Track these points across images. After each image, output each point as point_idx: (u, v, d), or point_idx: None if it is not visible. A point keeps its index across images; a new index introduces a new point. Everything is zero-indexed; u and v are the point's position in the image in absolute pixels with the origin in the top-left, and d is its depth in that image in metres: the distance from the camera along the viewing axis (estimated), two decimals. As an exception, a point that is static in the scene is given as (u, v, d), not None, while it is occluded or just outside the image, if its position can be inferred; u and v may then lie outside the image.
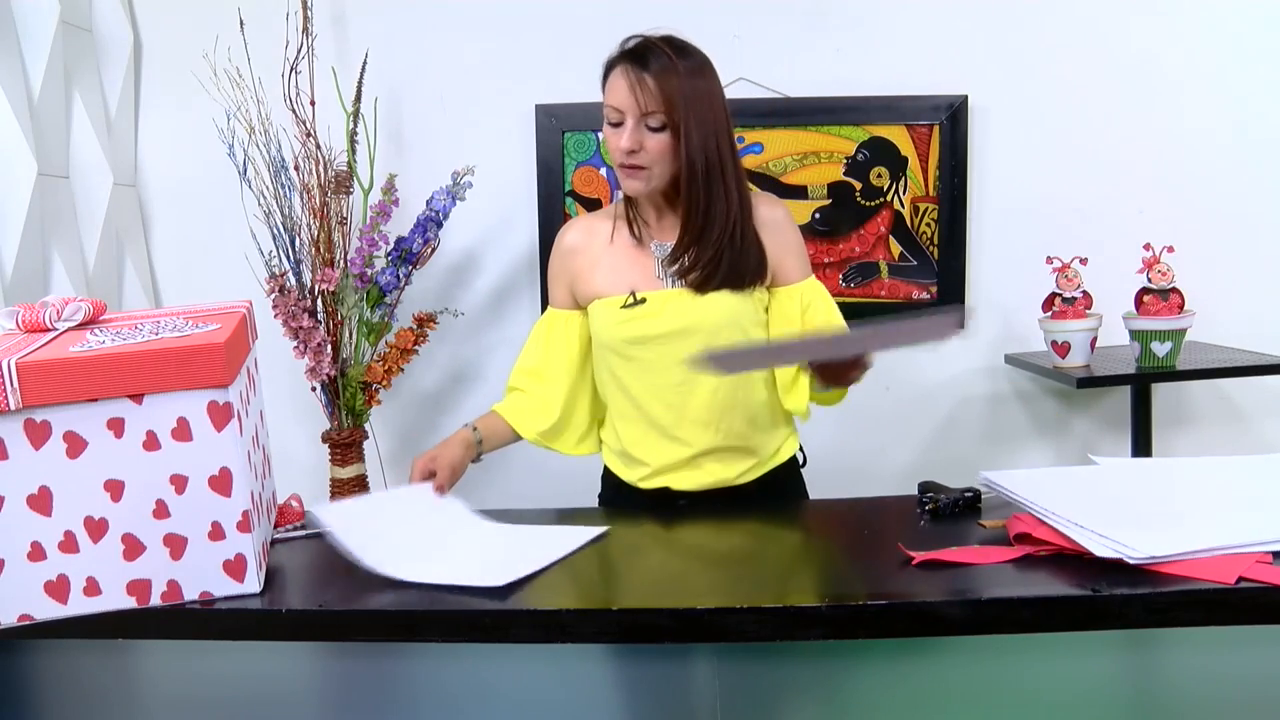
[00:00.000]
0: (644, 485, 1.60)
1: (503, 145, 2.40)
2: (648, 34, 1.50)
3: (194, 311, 1.30)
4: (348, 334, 2.18)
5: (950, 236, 2.38)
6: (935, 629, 1.04)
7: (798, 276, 1.59)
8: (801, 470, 1.70)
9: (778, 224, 1.59)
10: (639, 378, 1.56)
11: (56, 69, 2.14)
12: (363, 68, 2.22)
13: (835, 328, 1.59)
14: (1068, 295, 2.17)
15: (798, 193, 2.38)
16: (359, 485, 2.24)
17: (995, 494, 1.33)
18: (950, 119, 2.34)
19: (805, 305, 1.58)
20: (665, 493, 1.58)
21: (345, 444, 2.21)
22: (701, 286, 1.52)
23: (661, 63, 1.46)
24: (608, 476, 1.69)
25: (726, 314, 1.53)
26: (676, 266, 1.53)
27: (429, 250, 2.19)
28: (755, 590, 1.12)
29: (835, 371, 1.45)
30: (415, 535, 1.34)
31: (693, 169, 1.48)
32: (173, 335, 1.14)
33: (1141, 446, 2.23)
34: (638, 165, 1.49)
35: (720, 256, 1.51)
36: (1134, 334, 2.16)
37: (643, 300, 1.53)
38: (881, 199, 2.38)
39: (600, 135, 2.37)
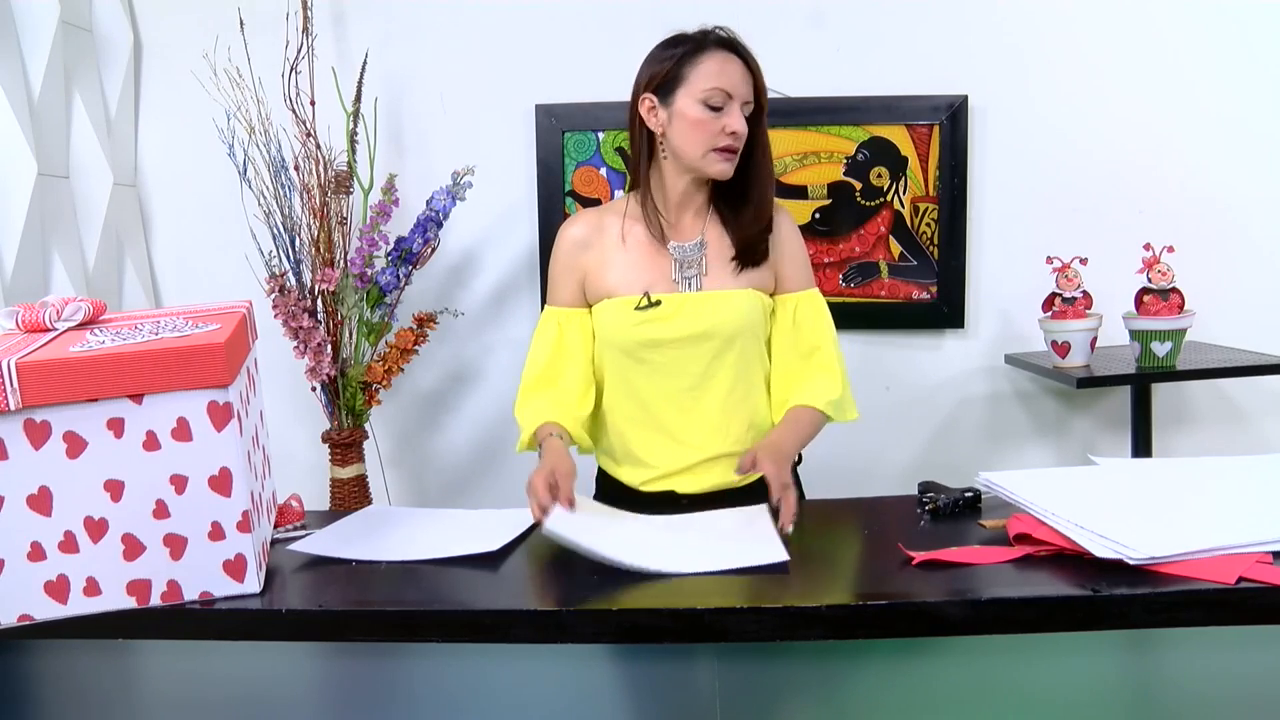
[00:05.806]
0: (647, 489, 1.59)
1: (503, 145, 2.40)
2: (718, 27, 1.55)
3: (194, 311, 1.30)
4: (348, 334, 2.18)
5: (950, 236, 2.38)
6: (935, 629, 1.04)
7: (796, 286, 1.61)
8: (798, 469, 1.70)
9: (785, 231, 1.61)
10: (651, 381, 1.56)
11: (56, 69, 2.14)
12: (363, 68, 2.22)
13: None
14: (1068, 295, 2.17)
15: (798, 193, 2.38)
16: (359, 485, 2.24)
17: (995, 494, 1.33)
18: (950, 119, 2.34)
19: (795, 312, 1.60)
20: (669, 495, 1.58)
21: (345, 444, 2.21)
22: (743, 268, 1.57)
23: (753, 54, 1.53)
24: (603, 479, 1.69)
25: (741, 318, 1.54)
26: (737, 256, 1.56)
27: (429, 250, 2.19)
28: (755, 590, 1.11)
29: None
30: (389, 532, 1.39)
31: (769, 157, 1.56)
32: (173, 335, 1.14)
33: (1141, 446, 2.22)
34: (736, 148, 1.52)
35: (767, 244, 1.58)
36: (1134, 334, 2.16)
37: (657, 302, 1.53)
38: (881, 199, 2.38)
39: (600, 135, 2.38)
